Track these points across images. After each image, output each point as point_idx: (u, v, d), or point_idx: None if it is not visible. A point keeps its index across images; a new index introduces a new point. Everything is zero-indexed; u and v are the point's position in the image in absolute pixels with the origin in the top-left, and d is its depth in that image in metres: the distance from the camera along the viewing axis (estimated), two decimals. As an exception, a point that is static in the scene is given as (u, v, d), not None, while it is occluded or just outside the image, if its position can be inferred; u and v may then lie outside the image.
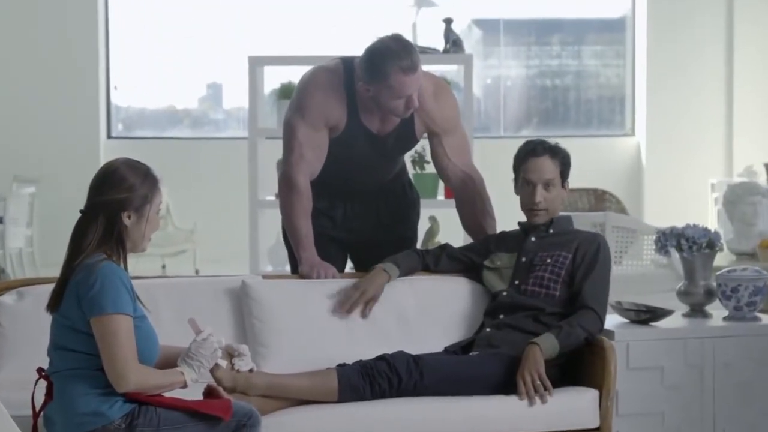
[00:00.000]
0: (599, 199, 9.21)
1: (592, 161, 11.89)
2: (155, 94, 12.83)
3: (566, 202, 8.55)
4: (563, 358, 4.14)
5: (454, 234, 5.41)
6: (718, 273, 4.63)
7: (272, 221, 5.65)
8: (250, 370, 3.76)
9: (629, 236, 6.70)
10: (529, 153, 4.35)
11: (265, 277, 4.51)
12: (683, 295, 4.69)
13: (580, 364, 4.19)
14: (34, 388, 3.50)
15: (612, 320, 4.46)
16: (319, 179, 4.53)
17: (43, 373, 3.48)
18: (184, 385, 3.44)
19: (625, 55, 12.85)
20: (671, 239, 4.65)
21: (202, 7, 12.51)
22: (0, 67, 11.95)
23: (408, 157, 5.05)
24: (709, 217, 11.49)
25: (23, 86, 11.95)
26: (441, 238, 6.12)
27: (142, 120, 12.83)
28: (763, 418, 4.43)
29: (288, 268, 4.89)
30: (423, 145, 5.00)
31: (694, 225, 4.67)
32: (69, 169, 11.53)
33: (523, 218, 4.44)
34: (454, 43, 6.44)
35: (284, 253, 4.95)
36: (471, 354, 4.17)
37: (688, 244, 4.61)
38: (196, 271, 10.91)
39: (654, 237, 4.83)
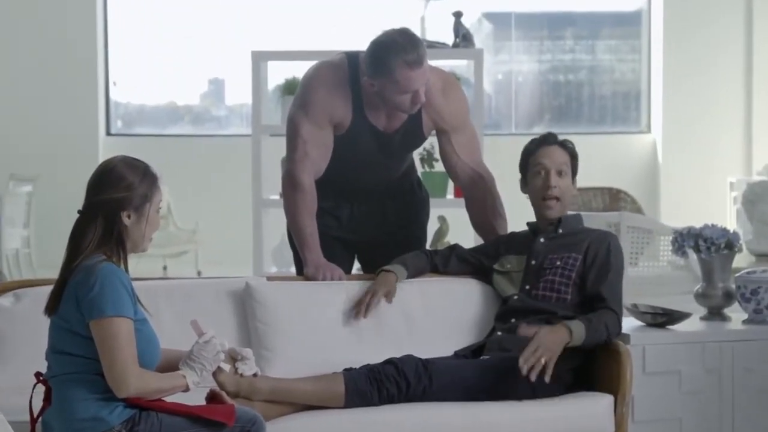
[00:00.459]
0: (614, 198, 9.22)
1: (606, 159, 11.87)
2: (155, 90, 12.81)
3: (579, 201, 8.52)
4: (577, 361, 4.10)
5: (463, 234, 5.38)
6: (737, 275, 4.61)
7: (277, 221, 5.64)
8: (254, 375, 3.73)
9: (645, 237, 6.69)
10: (540, 143, 4.36)
11: (269, 278, 4.48)
12: (701, 297, 4.65)
13: (595, 369, 4.15)
14: (32, 393, 3.47)
15: (628, 323, 4.44)
16: (324, 178, 4.50)
17: (41, 378, 3.45)
18: (186, 389, 3.41)
19: (641, 50, 12.80)
20: (689, 240, 4.62)
21: (204, 0, 12.48)
22: (-4, 63, 11.93)
23: (416, 155, 5.03)
24: (728, 217, 11.45)
25: (20, 82, 11.94)
26: (450, 239, 6.12)
27: (142, 117, 12.81)
28: (783, 424, 4.42)
29: (293, 270, 4.88)
30: (432, 142, 4.97)
31: (713, 225, 4.65)
32: (67, 167, 11.50)
33: (533, 218, 4.39)
34: (464, 38, 6.44)
35: (289, 253, 4.93)
36: (482, 358, 4.14)
37: (706, 245, 4.58)
38: (198, 273, 10.91)
39: (671, 237, 4.81)
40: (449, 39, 6.50)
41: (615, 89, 12.93)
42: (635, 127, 12.78)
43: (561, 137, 4.43)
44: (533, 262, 4.30)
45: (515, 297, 4.28)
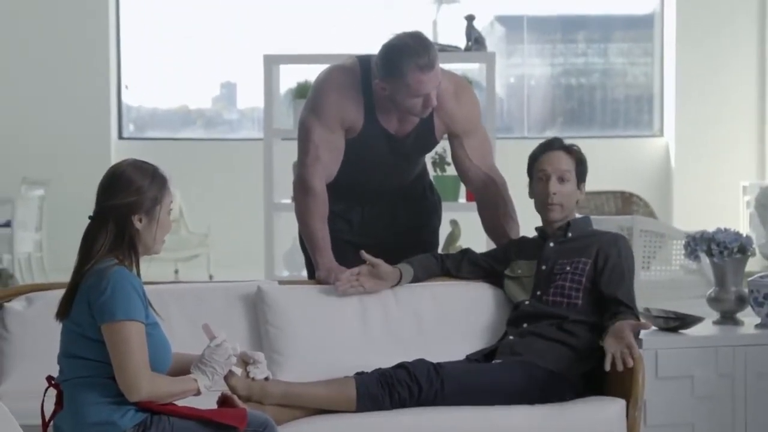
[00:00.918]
0: (626, 202, 9.22)
1: (618, 163, 11.84)
2: (167, 94, 12.82)
3: (592, 205, 8.51)
4: (589, 365, 4.10)
5: (476, 238, 5.37)
6: (750, 279, 4.59)
7: (288, 225, 5.64)
8: (266, 379, 3.72)
9: (658, 241, 6.68)
10: (544, 148, 4.35)
11: (281, 282, 4.48)
12: (714, 301, 4.64)
13: (607, 373, 4.08)
14: (44, 396, 3.47)
15: (640, 328, 4.40)
16: (335, 182, 4.49)
17: (53, 382, 3.44)
18: (198, 392, 3.40)
19: (654, 53, 12.76)
20: (701, 244, 4.60)
21: (215, 4, 12.49)
22: (8, 66, 11.91)
23: (428, 159, 5.02)
24: (741, 221, 11.43)
25: (32, 85, 11.95)
26: (463, 243, 6.11)
27: (154, 120, 12.82)
28: (797, 430, 4.41)
29: (305, 274, 4.87)
30: (444, 146, 4.97)
31: (725, 229, 4.63)
32: (79, 170, 11.49)
33: (541, 223, 4.39)
34: (476, 41, 6.43)
35: (300, 257, 4.92)
36: (494, 362, 4.12)
37: (719, 249, 4.56)
38: (210, 277, 10.90)
39: (683, 241, 4.80)
40: (461, 42, 6.48)
41: (627, 93, 12.89)
42: (648, 130, 12.74)
43: (572, 141, 4.42)
44: (543, 268, 4.29)
45: (526, 303, 4.26)
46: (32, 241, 10.77)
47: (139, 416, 3.33)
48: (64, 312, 3.39)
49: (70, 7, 11.98)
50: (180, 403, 3.39)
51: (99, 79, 12.11)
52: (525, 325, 4.20)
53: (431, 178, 4.90)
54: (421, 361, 3.97)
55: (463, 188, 6.23)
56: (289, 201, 6.32)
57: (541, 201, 4.31)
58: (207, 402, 3.47)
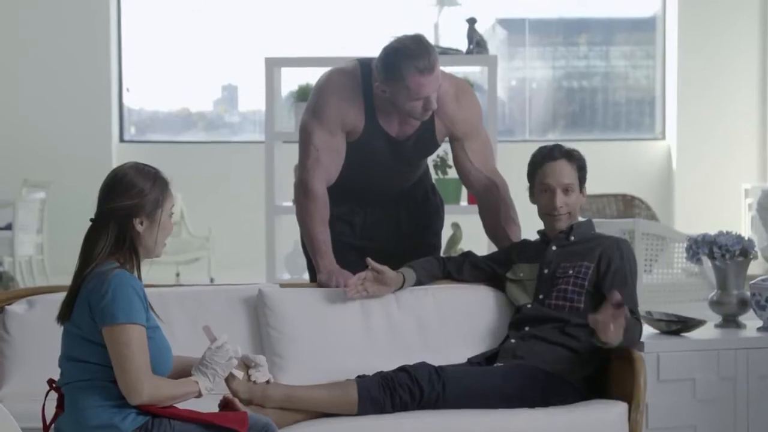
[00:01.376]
0: (628, 205, 9.21)
1: (620, 166, 11.83)
2: (169, 97, 12.81)
3: (594, 208, 8.51)
4: (591, 369, 4.11)
5: (478, 241, 5.37)
6: (752, 282, 4.58)
7: (290, 228, 5.64)
8: (267, 382, 3.73)
9: (659, 244, 6.68)
10: (545, 158, 4.31)
11: (282, 285, 4.48)
12: (716, 304, 4.63)
13: (609, 376, 4.14)
14: (45, 399, 3.47)
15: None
16: (337, 184, 4.49)
17: (54, 385, 3.44)
18: (199, 395, 3.40)
19: (656, 56, 12.75)
20: (703, 247, 4.60)
21: (217, 6, 12.49)
22: (9, 69, 11.91)
23: (430, 162, 5.01)
24: (743, 224, 11.41)
25: (33, 88, 11.94)
26: (464, 246, 6.10)
27: (156, 123, 12.81)
28: (799, 433, 4.40)
29: (306, 276, 4.86)
30: (445, 149, 4.96)
31: (727, 232, 4.62)
32: (80, 173, 11.49)
33: (543, 226, 4.39)
34: (477, 44, 6.42)
35: (302, 260, 4.92)
36: (495, 365, 4.12)
37: (721, 252, 4.55)
38: (211, 279, 10.88)
39: (685, 244, 4.80)
40: (463, 45, 6.46)
41: (629, 95, 12.88)
42: (649, 133, 12.73)
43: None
44: (545, 271, 4.28)
45: (528, 306, 4.26)
46: (33, 243, 10.76)
47: (141, 419, 3.32)
48: (65, 315, 3.38)
49: (72, 10, 11.97)
50: (181, 406, 3.39)
51: (100, 81, 12.10)
52: (527, 328, 4.20)
53: (433, 180, 4.88)
54: (422, 365, 3.97)
55: (464, 191, 6.22)
56: (290, 204, 6.31)
57: (548, 213, 4.30)
58: (208, 405, 3.46)
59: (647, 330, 4.43)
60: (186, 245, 10.99)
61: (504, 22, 12.96)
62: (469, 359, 4.21)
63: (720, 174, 12.13)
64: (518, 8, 12.81)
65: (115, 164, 10.34)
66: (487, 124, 4.82)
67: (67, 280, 3.48)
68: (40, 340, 4.02)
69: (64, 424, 3.37)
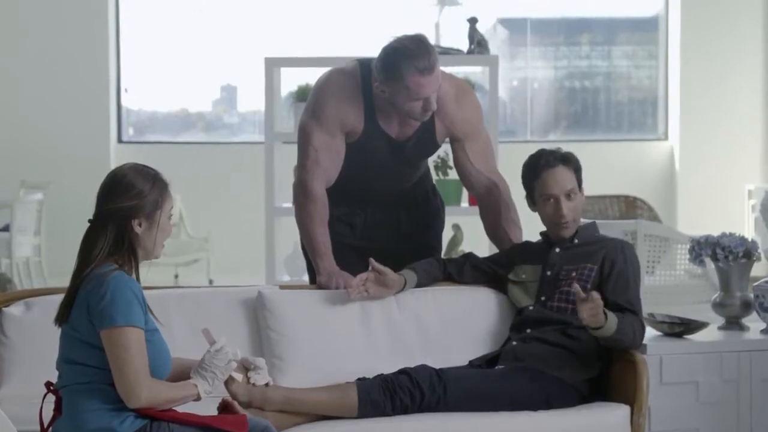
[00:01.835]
0: (630, 206, 9.20)
1: (623, 166, 11.82)
2: (167, 97, 12.81)
3: (596, 209, 8.50)
4: (593, 371, 4.10)
5: (478, 243, 5.36)
6: (755, 284, 4.57)
7: (289, 229, 5.64)
8: (267, 384, 3.72)
9: (662, 245, 6.67)
10: (542, 167, 4.28)
11: (281, 287, 4.47)
12: (719, 306, 4.61)
13: (611, 379, 4.13)
14: (42, 402, 3.46)
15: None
16: (337, 185, 4.48)
17: (52, 388, 3.44)
18: (198, 398, 3.40)
19: (658, 56, 12.73)
20: (706, 248, 4.58)
21: (216, 6, 12.48)
22: (7, 69, 11.90)
23: (430, 163, 4.99)
24: (746, 225, 11.41)
25: (31, 88, 11.93)
26: (465, 247, 6.12)
27: (154, 124, 12.81)
28: (803, 436, 4.40)
29: (306, 278, 4.86)
30: (446, 150, 4.95)
31: (730, 233, 4.61)
32: (78, 174, 11.48)
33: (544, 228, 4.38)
34: (478, 44, 6.41)
35: (302, 262, 4.91)
36: (496, 368, 4.12)
37: (724, 254, 4.54)
38: (210, 281, 10.88)
39: (688, 246, 4.79)
40: (464, 45, 6.46)
41: (631, 96, 12.87)
42: (652, 134, 12.71)
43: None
44: (548, 273, 4.28)
45: (530, 308, 4.25)
46: (31, 245, 10.75)
47: (139, 423, 3.32)
48: (63, 317, 3.38)
49: (70, 11, 11.97)
50: (180, 409, 3.38)
51: (98, 82, 12.09)
52: (528, 331, 4.19)
53: (434, 181, 4.88)
54: (423, 367, 3.96)
55: (465, 192, 6.22)
56: (290, 205, 6.30)
57: (553, 221, 4.28)
58: (207, 408, 3.46)
59: (650, 332, 4.41)
60: (185, 247, 10.99)
61: (505, 22, 12.95)
62: (470, 361, 4.20)
63: (723, 175, 12.11)
64: (520, 8, 12.80)
65: (113, 165, 10.34)
66: (488, 125, 4.81)
67: (65, 281, 3.48)
68: (38, 343, 4.02)
69: (62, 428, 3.36)
